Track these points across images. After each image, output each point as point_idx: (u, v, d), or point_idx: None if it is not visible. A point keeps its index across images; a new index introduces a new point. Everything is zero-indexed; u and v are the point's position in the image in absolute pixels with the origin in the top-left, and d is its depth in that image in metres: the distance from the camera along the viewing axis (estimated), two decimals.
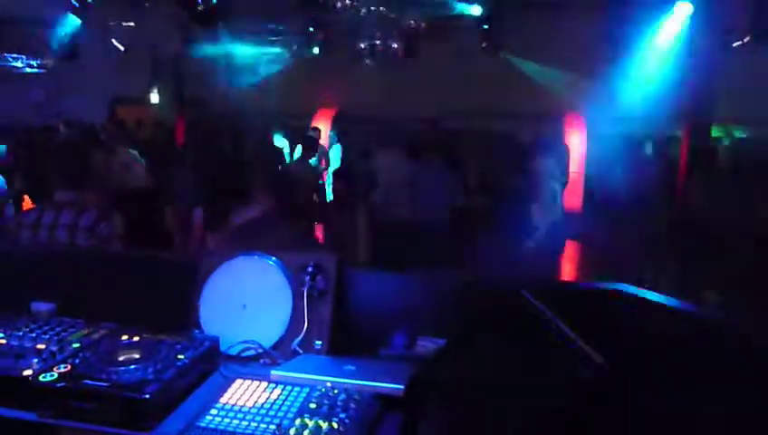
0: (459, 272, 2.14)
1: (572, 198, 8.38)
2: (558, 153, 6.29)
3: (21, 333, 1.75)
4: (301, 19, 9.41)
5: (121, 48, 9.02)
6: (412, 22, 6.38)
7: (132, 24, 9.37)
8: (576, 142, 9.18)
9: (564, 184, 6.32)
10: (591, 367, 1.58)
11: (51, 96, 11.84)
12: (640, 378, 1.64)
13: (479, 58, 9.01)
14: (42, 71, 11.31)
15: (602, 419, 1.56)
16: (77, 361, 1.59)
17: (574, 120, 9.60)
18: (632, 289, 1.88)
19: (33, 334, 1.75)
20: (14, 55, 10.94)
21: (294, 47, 9.82)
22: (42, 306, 1.99)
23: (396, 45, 6.00)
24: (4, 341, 1.70)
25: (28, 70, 11.31)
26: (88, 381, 1.49)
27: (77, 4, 6.02)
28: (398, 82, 9.00)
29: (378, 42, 5.80)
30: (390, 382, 1.60)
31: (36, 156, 6.33)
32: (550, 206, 5.35)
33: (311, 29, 9.38)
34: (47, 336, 1.75)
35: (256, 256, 2.05)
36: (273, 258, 2.03)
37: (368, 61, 6.17)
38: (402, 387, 1.58)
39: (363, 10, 5.95)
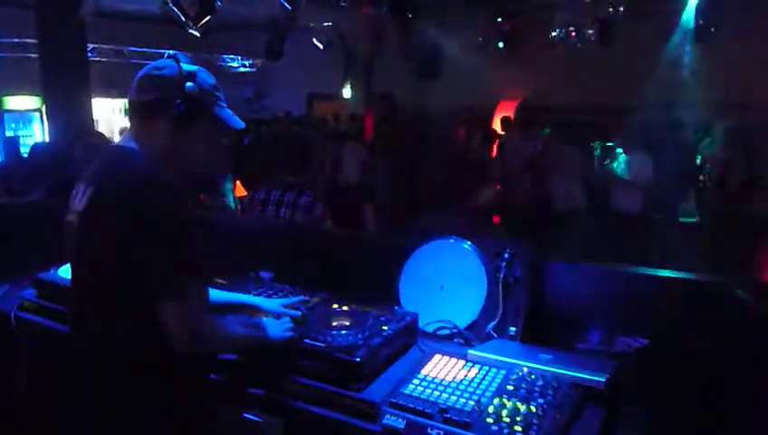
0: (661, 269, 1.99)
1: None
2: None
3: (253, 295, 2.01)
4: (488, 10, 9.38)
5: (321, 47, 9.75)
6: (610, 7, 6.01)
7: (330, 23, 10.09)
8: None
9: None
10: None
11: (258, 92, 13.28)
12: None
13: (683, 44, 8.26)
14: (253, 69, 12.70)
15: None
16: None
17: None
18: None
19: (263, 296, 2.01)
20: (231, 56, 12.41)
21: (480, 39, 9.81)
22: (266, 274, 2.27)
23: (591, 32, 5.69)
24: None
25: (242, 69, 12.77)
26: (308, 341, 1.68)
27: (289, 7, 6.66)
28: (589, 71, 8.58)
29: (571, 29, 5.56)
30: (590, 375, 1.56)
31: (262, 143, 7.08)
32: None
33: (498, 19, 9.29)
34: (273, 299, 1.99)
35: (452, 240, 2.12)
36: (469, 242, 2.08)
37: (559, 49, 5.94)
38: (604, 380, 1.53)
39: None
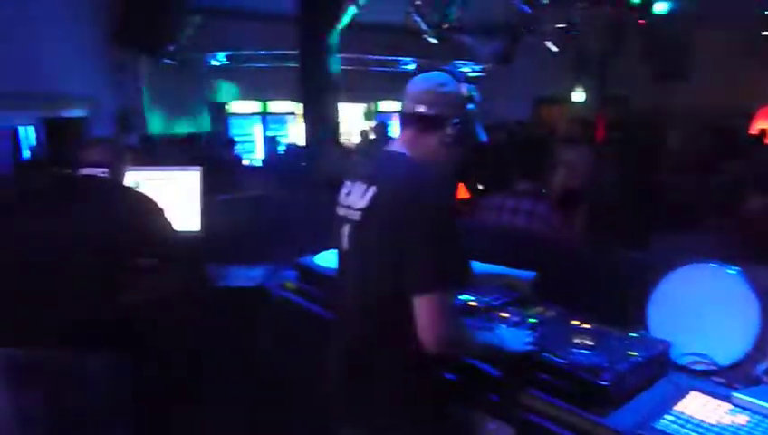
0: None
1: None
2: None
3: (488, 299, 2.02)
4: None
5: (555, 49, 9.43)
6: None
7: (564, 25, 9.70)
8: None
9: None
10: None
11: (483, 98, 13.34)
12: None
13: None
14: (483, 75, 12.80)
15: None
16: (536, 334, 1.75)
17: None
18: None
19: (497, 302, 2.01)
20: (463, 62, 12.66)
21: (745, 33, 8.60)
22: None
23: None
24: (475, 303, 2.00)
25: (472, 75, 12.94)
26: (547, 355, 1.63)
27: (528, 9, 6.58)
28: None
29: None
30: None
31: (497, 150, 7.14)
32: None
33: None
34: (509, 306, 1.98)
35: (715, 265, 1.88)
36: (737, 269, 1.83)
37: None
38: None
39: None
